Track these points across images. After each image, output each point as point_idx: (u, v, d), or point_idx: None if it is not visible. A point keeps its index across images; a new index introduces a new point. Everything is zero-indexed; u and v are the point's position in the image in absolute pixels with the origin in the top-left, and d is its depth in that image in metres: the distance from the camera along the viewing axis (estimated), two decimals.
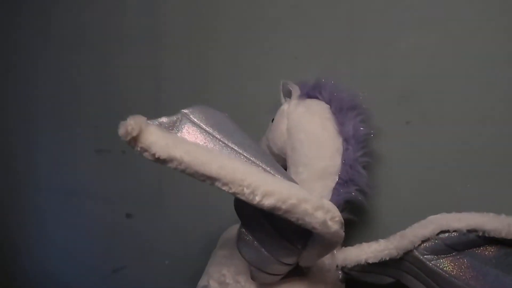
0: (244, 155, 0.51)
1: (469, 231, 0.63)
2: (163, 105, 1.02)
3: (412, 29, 0.76)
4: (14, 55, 1.29)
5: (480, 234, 0.63)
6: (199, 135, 0.50)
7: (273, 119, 0.80)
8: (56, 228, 1.25)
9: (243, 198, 0.47)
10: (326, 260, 0.70)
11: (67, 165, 1.16)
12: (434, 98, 0.74)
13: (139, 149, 0.47)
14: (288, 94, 0.78)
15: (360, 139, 0.69)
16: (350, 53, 0.80)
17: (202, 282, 0.78)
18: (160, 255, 1.09)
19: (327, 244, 0.53)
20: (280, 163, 0.79)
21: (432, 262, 0.66)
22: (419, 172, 0.76)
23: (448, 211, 0.67)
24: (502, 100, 0.71)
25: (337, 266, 0.72)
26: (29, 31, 1.26)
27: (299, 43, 0.85)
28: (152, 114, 0.52)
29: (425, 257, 0.67)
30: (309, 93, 0.75)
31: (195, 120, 0.51)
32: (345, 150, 0.69)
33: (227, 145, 0.51)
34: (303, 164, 0.71)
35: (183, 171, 0.47)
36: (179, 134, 0.50)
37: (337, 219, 0.49)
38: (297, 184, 0.52)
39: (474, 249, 0.66)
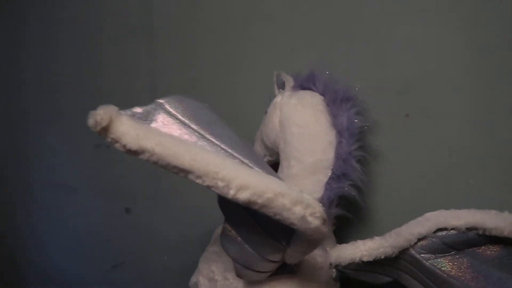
0: (221, 147, 0.48)
1: (468, 229, 0.60)
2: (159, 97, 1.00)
3: (412, 18, 0.72)
4: (11, 51, 1.30)
5: (481, 232, 0.59)
6: (174, 126, 0.48)
7: (266, 111, 0.77)
8: (58, 223, 1.25)
9: (217, 191, 0.45)
10: (319, 258, 0.67)
11: (67, 160, 1.16)
12: (435, 89, 0.70)
13: (110, 140, 0.45)
14: (282, 86, 0.76)
15: (354, 132, 0.66)
16: (347, 43, 0.77)
17: (193, 278, 0.77)
18: (159, 251, 1.08)
19: (310, 241, 0.50)
20: (274, 157, 0.78)
21: (429, 261, 0.63)
22: (419, 167, 0.73)
23: (450, 208, 0.63)
24: (507, 92, 0.67)
25: (330, 264, 0.69)
26: (28, 27, 1.27)
27: (295, 34, 0.82)
28: None
29: (422, 256, 0.63)
30: (303, 85, 0.72)
31: (171, 110, 0.49)
32: (339, 143, 0.66)
33: (203, 136, 0.49)
34: (294, 158, 0.68)
35: (155, 163, 0.45)
36: (152, 125, 0.48)
37: (317, 214, 0.46)
38: (278, 177, 0.50)
39: (475, 248, 0.62)
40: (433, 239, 0.62)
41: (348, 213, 0.69)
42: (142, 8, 1.02)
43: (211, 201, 0.95)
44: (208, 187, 0.45)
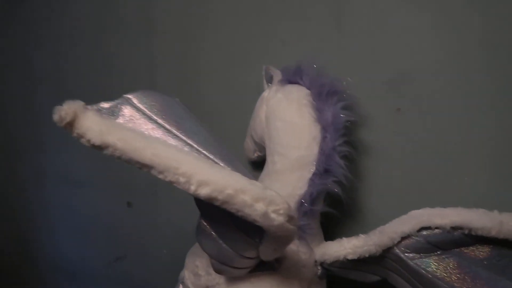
0: (187, 142, 0.48)
1: (453, 228, 0.57)
2: (159, 89, 1.01)
3: (404, 8, 0.69)
4: (24, 50, 1.33)
5: (466, 232, 0.56)
6: (139, 121, 0.48)
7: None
8: (66, 215, 1.29)
9: (180, 187, 0.45)
10: (303, 255, 0.66)
11: (75, 155, 1.19)
12: (427, 82, 0.67)
13: (75, 135, 0.46)
14: (271, 80, 0.75)
15: (339, 127, 0.64)
16: (337, 35, 0.74)
17: (182, 272, 0.77)
18: (158, 245, 1.09)
19: (276, 238, 0.49)
20: (263, 152, 0.77)
21: (414, 261, 0.61)
22: (411, 164, 0.70)
23: (444, 206, 0.61)
24: (503, 84, 0.63)
25: (315, 262, 0.68)
26: (29, 21, 1.30)
27: (286, 26, 0.81)
28: None
29: (406, 255, 0.61)
30: (290, 79, 0.71)
31: (138, 105, 0.49)
32: (323, 138, 0.64)
33: (169, 131, 0.48)
34: (278, 153, 0.67)
35: (119, 158, 0.46)
36: (118, 120, 0.48)
37: (281, 211, 0.45)
38: (249, 175, 0.49)
39: (463, 248, 0.59)
40: (417, 238, 0.59)
41: (334, 210, 0.67)
42: (140, 3, 1.03)
43: None
44: (171, 182, 0.45)
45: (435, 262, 0.60)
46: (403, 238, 0.60)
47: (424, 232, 0.59)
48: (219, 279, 0.68)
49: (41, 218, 1.37)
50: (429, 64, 0.67)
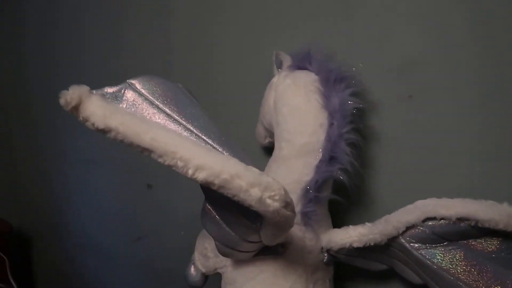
0: (187, 127, 0.49)
1: (459, 219, 0.56)
2: (173, 74, 1.03)
3: None
4: (31, 29, 1.38)
5: (473, 224, 0.55)
6: (142, 105, 0.49)
7: None
8: (89, 196, 1.35)
9: (178, 171, 0.46)
10: (308, 241, 0.67)
11: (97, 137, 1.23)
12: (440, 68, 0.65)
13: (81, 118, 0.48)
14: (281, 65, 0.74)
15: (346, 114, 0.63)
16: (348, 20, 0.73)
17: (193, 254, 0.80)
18: (176, 227, 1.12)
19: (275, 224, 0.50)
20: (273, 138, 0.77)
21: (420, 251, 0.60)
22: (423, 152, 0.68)
23: (455, 196, 0.59)
24: None
25: (321, 248, 0.68)
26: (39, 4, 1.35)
27: (295, 11, 0.79)
28: None
29: (412, 245, 0.60)
30: (299, 64, 0.70)
31: (141, 90, 0.50)
32: (330, 125, 0.64)
33: (170, 116, 0.49)
34: (285, 139, 0.67)
35: (121, 141, 0.47)
36: (121, 105, 0.49)
37: (277, 197, 0.46)
38: (247, 161, 0.49)
39: (470, 240, 0.58)
40: (422, 228, 0.58)
41: (342, 197, 0.67)
42: None
43: None
44: (170, 166, 0.46)
45: (441, 253, 0.59)
46: (408, 228, 0.60)
47: (430, 223, 0.58)
48: (226, 262, 0.70)
49: (66, 200, 1.44)
50: (442, 50, 0.64)
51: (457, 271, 0.57)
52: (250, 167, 0.47)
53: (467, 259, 0.58)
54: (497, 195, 0.59)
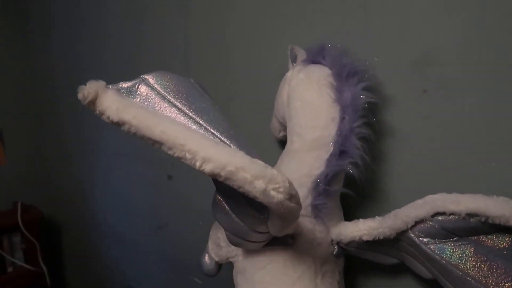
0: (196, 121, 0.51)
1: (469, 215, 0.55)
2: (192, 68, 1.05)
3: None
4: (58, 30, 1.43)
5: (483, 220, 0.55)
6: (154, 100, 0.52)
7: None
8: (113, 187, 1.40)
9: (187, 163, 0.48)
10: (318, 233, 0.68)
11: (115, 129, 1.28)
12: (455, 63, 0.64)
13: (97, 112, 0.50)
14: (296, 60, 0.75)
15: (358, 108, 0.63)
16: (363, 14, 0.72)
17: (208, 243, 0.82)
18: (195, 217, 1.15)
19: (281, 215, 0.51)
20: (286, 132, 0.78)
21: (429, 245, 0.60)
22: (437, 147, 0.67)
23: (467, 192, 0.59)
24: None
25: (332, 241, 0.69)
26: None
27: (311, 6, 0.79)
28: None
29: (421, 240, 0.60)
30: (313, 59, 0.70)
31: (154, 85, 0.52)
32: (341, 119, 0.64)
33: (181, 110, 0.51)
34: (296, 133, 0.68)
35: (134, 134, 0.49)
36: (135, 99, 0.52)
37: (281, 189, 0.47)
38: (254, 154, 0.51)
39: (481, 236, 0.58)
40: (431, 223, 0.58)
41: (353, 191, 0.67)
42: None
43: None
44: (178, 158, 0.48)
45: (451, 249, 0.59)
46: (417, 223, 0.60)
47: (439, 218, 0.58)
48: (237, 251, 0.72)
49: (91, 189, 1.50)
50: (458, 44, 0.63)
51: (467, 267, 0.57)
52: (255, 160, 0.48)
53: (477, 255, 0.57)
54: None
